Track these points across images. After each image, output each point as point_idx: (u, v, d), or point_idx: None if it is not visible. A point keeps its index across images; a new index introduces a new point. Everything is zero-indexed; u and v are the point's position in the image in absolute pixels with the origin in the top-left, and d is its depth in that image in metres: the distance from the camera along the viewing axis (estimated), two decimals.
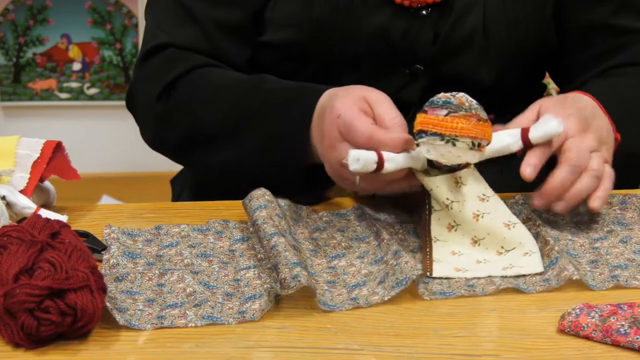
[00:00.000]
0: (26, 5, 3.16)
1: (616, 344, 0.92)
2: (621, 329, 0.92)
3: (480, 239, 1.10)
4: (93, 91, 3.27)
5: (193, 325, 0.95)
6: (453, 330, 0.95)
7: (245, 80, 1.31)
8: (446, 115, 1.07)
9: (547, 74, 1.52)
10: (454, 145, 1.07)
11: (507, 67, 1.37)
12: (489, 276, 1.06)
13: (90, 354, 0.91)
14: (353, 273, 1.07)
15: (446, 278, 1.06)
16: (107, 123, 3.30)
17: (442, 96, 1.08)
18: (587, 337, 0.93)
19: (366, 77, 1.34)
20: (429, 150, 1.08)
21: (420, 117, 1.09)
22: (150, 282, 1.04)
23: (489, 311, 1.00)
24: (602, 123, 1.22)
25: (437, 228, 1.11)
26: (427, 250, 1.09)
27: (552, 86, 1.55)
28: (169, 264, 1.08)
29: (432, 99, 1.09)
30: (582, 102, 1.23)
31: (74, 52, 3.23)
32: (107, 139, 3.29)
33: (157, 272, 1.06)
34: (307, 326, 0.96)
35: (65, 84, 3.25)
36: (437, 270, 1.07)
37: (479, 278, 1.06)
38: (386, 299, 1.00)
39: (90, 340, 0.93)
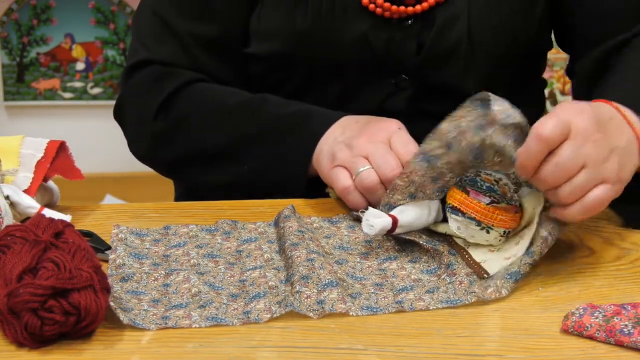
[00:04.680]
0: (30, 5, 3.17)
1: (620, 344, 0.92)
2: (625, 329, 0.92)
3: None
4: (96, 91, 3.27)
5: (197, 326, 0.95)
6: (456, 330, 0.95)
7: (246, 101, 1.32)
8: (488, 204, 1.07)
9: (547, 72, 1.51)
10: (488, 232, 1.08)
11: (496, 73, 1.35)
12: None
13: (94, 353, 0.91)
14: (402, 277, 1.06)
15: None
16: (110, 122, 3.27)
17: (485, 179, 1.08)
18: (590, 337, 0.93)
19: (351, 87, 1.34)
20: (459, 228, 1.09)
21: (458, 194, 1.08)
22: (155, 282, 1.04)
23: (492, 311, 0.99)
24: (624, 130, 1.06)
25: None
26: (465, 255, 1.09)
27: (555, 86, 1.54)
28: (175, 264, 1.08)
29: (474, 178, 1.08)
30: (602, 108, 1.07)
31: (77, 51, 3.24)
32: (111, 138, 3.29)
33: (163, 272, 1.05)
34: (311, 326, 0.96)
35: (69, 84, 3.25)
36: (491, 268, 1.06)
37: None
38: (431, 308, 0.99)
39: (94, 340, 0.93)
